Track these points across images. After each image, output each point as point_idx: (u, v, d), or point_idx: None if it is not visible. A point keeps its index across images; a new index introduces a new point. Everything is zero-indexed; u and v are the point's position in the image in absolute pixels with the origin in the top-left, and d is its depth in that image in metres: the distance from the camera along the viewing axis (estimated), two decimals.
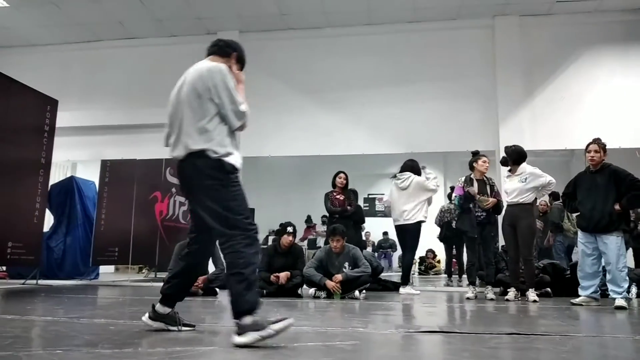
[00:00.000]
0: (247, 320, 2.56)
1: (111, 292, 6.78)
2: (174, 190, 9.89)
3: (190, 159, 2.82)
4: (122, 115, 9.56)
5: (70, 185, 9.13)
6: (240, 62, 3.15)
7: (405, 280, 6.57)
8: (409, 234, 6.47)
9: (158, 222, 9.52)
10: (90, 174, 10.04)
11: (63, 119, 7.94)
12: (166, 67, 9.69)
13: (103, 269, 10.27)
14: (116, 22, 9.17)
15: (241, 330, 2.55)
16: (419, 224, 6.43)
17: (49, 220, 8.65)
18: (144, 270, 11.80)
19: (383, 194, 14.76)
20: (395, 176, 6.72)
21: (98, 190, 9.01)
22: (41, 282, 7.68)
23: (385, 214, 13.55)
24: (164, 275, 6.99)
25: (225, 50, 3.12)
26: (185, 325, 3.07)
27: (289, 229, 6.02)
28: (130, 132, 9.55)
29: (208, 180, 2.74)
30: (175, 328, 3.01)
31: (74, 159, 10.84)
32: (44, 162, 7.27)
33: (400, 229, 6.57)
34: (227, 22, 9.13)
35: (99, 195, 8.91)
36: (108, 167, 9.02)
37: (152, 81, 9.65)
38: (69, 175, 10.60)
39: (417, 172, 6.62)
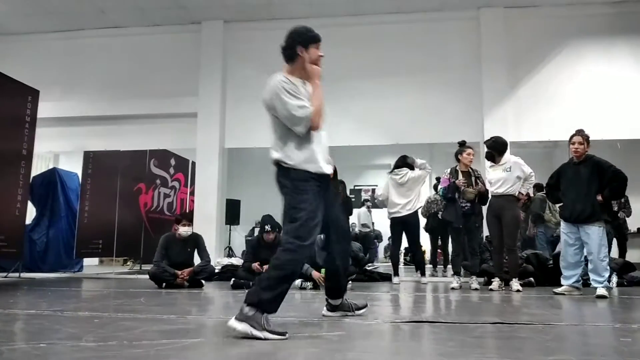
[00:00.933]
0: (250, 312, 2.61)
1: (95, 284, 6.72)
2: (158, 181, 9.82)
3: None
4: (105, 105, 9.43)
5: (52, 177, 9.01)
6: (307, 44, 3.01)
7: (423, 271, 7.00)
8: (411, 225, 6.80)
9: (142, 214, 9.46)
10: (73, 166, 9.92)
11: (45, 109, 7.82)
12: (150, 57, 9.60)
13: (87, 261, 10.18)
14: (98, 10, 9.00)
15: (240, 317, 2.62)
16: (417, 212, 6.82)
17: (31, 212, 8.54)
18: (128, 263, 11.74)
19: (373, 186, 14.79)
20: (392, 172, 6.98)
21: (81, 182, 8.90)
22: (24, 275, 7.59)
23: (377, 205, 13.62)
24: (149, 267, 6.96)
25: (287, 54, 3.07)
26: (358, 308, 3.41)
27: (267, 227, 6.00)
28: (113, 123, 9.42)
29: (281, 187, 2.99)
30: (351, 313, 3.36)
31: (56, 151, 10.69)
32: (26, 153, 7.15)
33: (400, 220, 6.79)
34: (212, 11, 9.02)
35: (82, 187, 8.80)
36: (91, 159, 8.91)
37: (136, 71, 9.53)
38: (51, 166, 10.47)
39: (411, 167, 6.97)
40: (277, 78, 2.92)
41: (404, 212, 6.75)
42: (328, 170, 3.00)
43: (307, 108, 2.85)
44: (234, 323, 2.60)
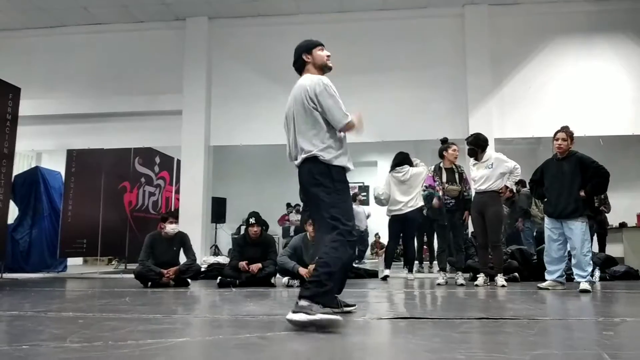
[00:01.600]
0: (304, 303, 2.74)
1: (80, 284, 6.65)
2: (143, 180, 9.73)
3: None
4: (88, 103, 9.31)
5: (35, 175, 8.89)
6: (310, 49, 3.32)
7: (411, 268, 6.99)
8: (413, 221, 6.79)
9: (127, 212, 9.36)
10: (56, 164, 9.79)
11: (26, 107, 7.70)
12: (134, 54, 9.50)
13: (71, 261, 10.07)
14: (80, 7, 8.87)
15: (296, 309, 2.74)
16: (420, 210, 6.76)
17: (13, 212, 8.42)
18: (113, 262, 11.63)
19: (359, 183, 14.82)
20: (393, 169, 6.92)
21: (64, 180, 8.79)
22: (6, 275, 7.47)
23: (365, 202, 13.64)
24: (134, 266, 6.90)
25: (297, 66, 3.38)
26: (346, 305, 3.42)
27: (251, 220, 6.01)
28: (97, 121, 9.32)
29: (315, 184, 3.08)
30: (339, 309, 3.30)
31: (39, 149, 10.54)
32: (7, 152, 7.04)
33: (402, 217, 6.74)
34: (196, 7, 8.95)
35: (65, 186, 8.69)
36: (74, 157, 8.80)
37: (119, 68, 9.43)
38: (33, 165, 10.32)
39: (411, 163, 6.99)
40: (317, 78, 3.13)
41: (406, 210, 6.71)
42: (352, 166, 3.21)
43: (347, 113, 3.09)
44: (290, 315, 2.74)
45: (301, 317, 2.69)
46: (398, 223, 6.82)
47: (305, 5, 8.92)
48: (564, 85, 8.61)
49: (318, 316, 2.69)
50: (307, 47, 3.31)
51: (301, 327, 2.68)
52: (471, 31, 8.79)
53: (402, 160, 6.94)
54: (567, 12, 8.76)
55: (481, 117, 8.45)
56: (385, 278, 6.68)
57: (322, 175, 3.01)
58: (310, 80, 3.13)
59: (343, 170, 3.09)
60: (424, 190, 6.22)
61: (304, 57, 3.29)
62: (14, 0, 8.64)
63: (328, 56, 3.31)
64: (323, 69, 3.29)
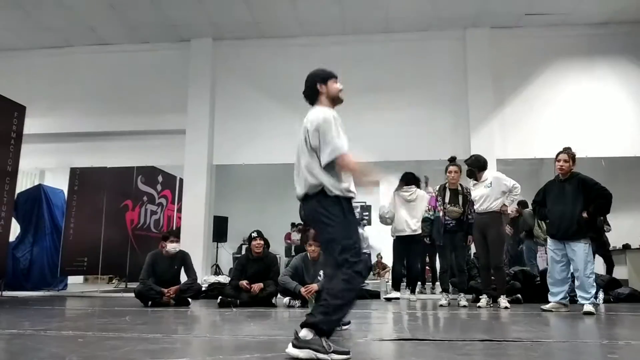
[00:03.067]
0: (308, 335, 2.58)
1: (80, 303, 6.61)
2: (145, 198, 9.76)
3: None
4: (92, 122, 9.37)
5: (37, 193, 8.91)
6: (325, 80, 3.15)
7: (414, 289, 6.98)
8: (418, 242, 6.73)
9: (129, 231, 9.37)
10: (59, 182, 9.82)
11: (31, 125, 7.75)
12: (138, 74, 9.59)
13: (72, 279, 10.03)
14: (87, 27, 9.00)
15: (299, 343, 2.56)
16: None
17: (15, 229, 8.42)
18: (114, 281, 11.57)
19: (362, 202, 14.80)
20: (400, 188, 6.89)
21: (67, 198, 8.80)
22: (6, 293, 7.44)
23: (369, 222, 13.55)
24: (134, 285, 6.87)
25: (309, 94, 3.19)
26: (344, 323, 3.38)
27: (254, 234, 6.03)
28: (100, 140, 9.37)
29: (326, 216, 2.93)
30: (338, 328, 3.07)
31: (42, 167, 10.58)
32: (10, 169, 7.07)
33: (408, 239, 6.71)
34: (201, 29, 9.07)
35: (67, 204, 8.71)
36: (77, 175, 8.84)
37: (124, 88, 9.51)
38: (36, 183, 10.35)
39: (418, 185, 7.04)
40: (326, 110, 3.01)
41: (409, 232, 6.67)
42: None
43: (344, 146, 2.92)
44: (293, 351, 2.55)
45: (309, 355, 2.52)
46: (403, 244, 6.78)
47: (308, 27, 9.03)
48: (565, 106, 8.66)
49: (330, 357, 2.51)
50: (322, 77, 3.17)
51: None
52: (473, 53, 8.88)
53: (409, 180, 6.92)
54: (568, 35, 8.85)
55: (483, 138, 8.47)
56: (389, 299, 6.61)
57: (332, 207, 2.88)
58: (317, 112, 3.02)
59: (350, 200, 2.97)
60: (427, 212, 6.23)
61: (318, 86, 3.14)
62: (22, 21, 8.77)
63: (341, 90, 3.18)
64: (335, 101, 3.16)
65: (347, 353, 2.57)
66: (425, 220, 6.38)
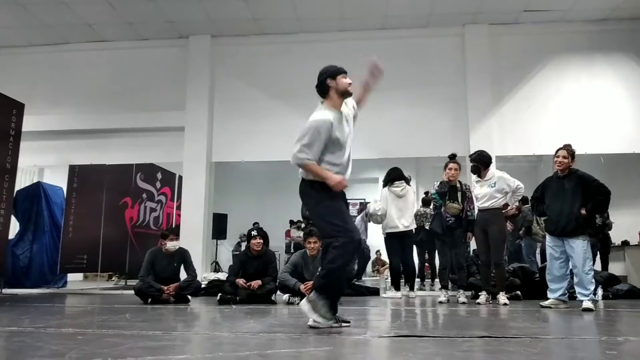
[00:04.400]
0: (314, 295, 3.36)
1: (79, 300, 6.61)
2: (144, 196, 9.74)
3: None
4: (91, 119, 9.36)
5: (36, 190, 8.90)
6: (335, 75, 3.58)
7: (412, 285, 6.92)
8: (410, 237, 6.82)
9: (128, 228, 9.36)
10: (58, 180, 9.81)
11: (30, 123, 7.74)
12: (137, 71, 9.58)
13: (71, 276, 10.03)
14: (85, 24, 8.98)
15: (309, 298, 3.39)
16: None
17: (14, 227, 8.41)
18: (113, 278, 11.58)
19: (360, 199, 14.80)
20: (391, 184, 6.85)
21: (66, 196, 8.79)
22: (6, 291, 7.45)
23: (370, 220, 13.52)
24: (134, 282, 6.87)
25: (320, 90, 3.64)
26: (343, 321, 3.53)
27: (253, 232, 6.03)
28: (99, 137, 9.36)
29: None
30: (337, 324, 3.44)
31: (41, 164, 10.56)
32: (10, 167, 7.06)
33: (400, 235, 6.69)
34: (200, 26, 9.05)
35: (66, 201, 8.70)
36: (76, 173, 8.83)
37: (123, 85, 9.50)
38: (35, 180, 10.34)
39: (407, 181, 7.04)
40: (324, 115, 3.46)
41: (401, 228, 6.65)
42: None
43: (301, 159, 3.43)
44: (302, 303, 3.38)
45: (306, 309, 3.33)
46: (396, 239, 6.74)
47: (307, 24, 9.02)
48: (564, 103, 8.66)
49: (314, 316, 3.32)
50: (332, 73, 3.54)
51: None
52: (472, 50, 8.87)
53: (398, 175, 6.91)
54: (567, 31, 8.84)
55: (482, 134, 8.48)
56: (390, 298, 6.54)
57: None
58: (318, 115, 3.50)
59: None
60: (433, 194, 6.18)
61: (328, 82, 3.53)
62: (19, 17, 8.74)
63: (350, 84, 3.55)
64: (344, 94, 3.56)
65: (330, 320, 3.35)
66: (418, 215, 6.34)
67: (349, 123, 3.65)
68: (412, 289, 6.87)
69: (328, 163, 3.48)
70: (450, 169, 6.03)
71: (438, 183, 6.09)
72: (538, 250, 8.77)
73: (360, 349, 2.87)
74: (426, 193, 9.23)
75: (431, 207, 6.30)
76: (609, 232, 8.77)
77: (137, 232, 9.46)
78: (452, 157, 6.15)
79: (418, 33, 9.08)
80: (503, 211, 5.76)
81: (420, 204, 8.90)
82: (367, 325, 3.82)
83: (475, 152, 6.04)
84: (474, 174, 5.97)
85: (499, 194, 5.72)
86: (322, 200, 3.45)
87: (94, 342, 2.95)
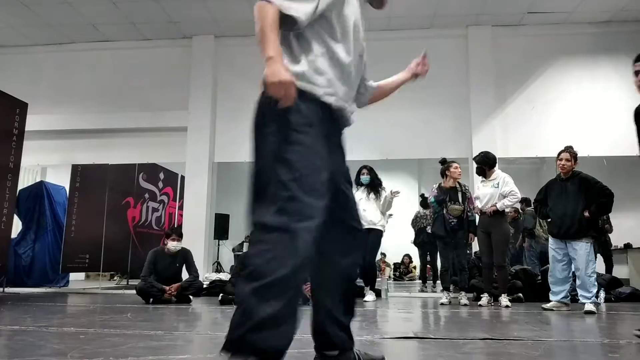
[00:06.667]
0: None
1: (81, 299, 6.62)
2: (147, 195, 9.75)
3: None
4: (94, 119, 9.38)
5: (39, 190, 8.91)
6: None
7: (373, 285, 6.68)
8: (379, 237, 6.53)
9: (130, 228, 9.37)
10: (61, 179, 9.82)
11: (33, 122, 7.75)
12: (140, 71, 9.59)
13: (73, 276, 10.04)
14: (89, 24, 9.00)
15: None
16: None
17: (17, 226, 8.43)
18: (115, 278, 11.59)
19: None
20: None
21: (68, 195, 8.81)
22: (8, 289, 7.46)
23: None
24: (136, 282, 6.88)
25: None
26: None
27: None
28: (102, 137, 9.38)
29: None
30: None
31: (44, 164, 10.58)
32: (12, 166, 7.08)
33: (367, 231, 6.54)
34: (203, 26, 9.06)
35: (69, 201, 8.72)
36: (79, 172, 8.84)
37: (126, 85, 9.51)
38: (38, 180, 10.35)
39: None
40: None
41: (367, 225, 6.24)
42: None
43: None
44: None
45: None
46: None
47: None
48: (567, 105, 8.64)
49: None
50: None
51: None
52: (475, 51, 8.86)
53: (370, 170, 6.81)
54: (570, 34, 8.82)
55: (485, 136, 8.46)
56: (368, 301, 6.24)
57: None
58: None
59: None
60: (431, 201, 6.15)
61: None
62: (23, 17, 8.77)
63: None
64: None
65: None
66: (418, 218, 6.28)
67: (362, 23, 2.21)
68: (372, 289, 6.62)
69: (320, 43, 1.95)
70: (456, 168, 6.03)
71: (436, 186, 6.09)
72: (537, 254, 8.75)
73: (362, 350, 2.86)
74: (421, 195, 9.24)
75: (430, 210, 6.26)
76: (609, 235, 8.74)
77: (139, 232, 9.47)
78: (444, 162, 6.14)
79: (421, 34, 9.06)
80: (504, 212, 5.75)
81: (419, 206, 8.90)
82: (369, 327, 3.81)
83: (480, 154, 6.04)
84: (479, 175, 5.98)
85: (499, 195, 5.72)
86: (289, 131, 1.83)
87: (96, 341, 2.95)
